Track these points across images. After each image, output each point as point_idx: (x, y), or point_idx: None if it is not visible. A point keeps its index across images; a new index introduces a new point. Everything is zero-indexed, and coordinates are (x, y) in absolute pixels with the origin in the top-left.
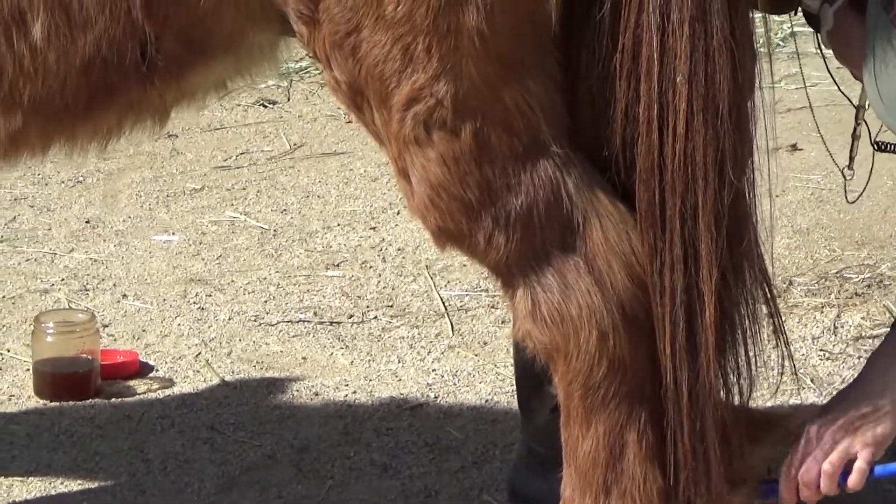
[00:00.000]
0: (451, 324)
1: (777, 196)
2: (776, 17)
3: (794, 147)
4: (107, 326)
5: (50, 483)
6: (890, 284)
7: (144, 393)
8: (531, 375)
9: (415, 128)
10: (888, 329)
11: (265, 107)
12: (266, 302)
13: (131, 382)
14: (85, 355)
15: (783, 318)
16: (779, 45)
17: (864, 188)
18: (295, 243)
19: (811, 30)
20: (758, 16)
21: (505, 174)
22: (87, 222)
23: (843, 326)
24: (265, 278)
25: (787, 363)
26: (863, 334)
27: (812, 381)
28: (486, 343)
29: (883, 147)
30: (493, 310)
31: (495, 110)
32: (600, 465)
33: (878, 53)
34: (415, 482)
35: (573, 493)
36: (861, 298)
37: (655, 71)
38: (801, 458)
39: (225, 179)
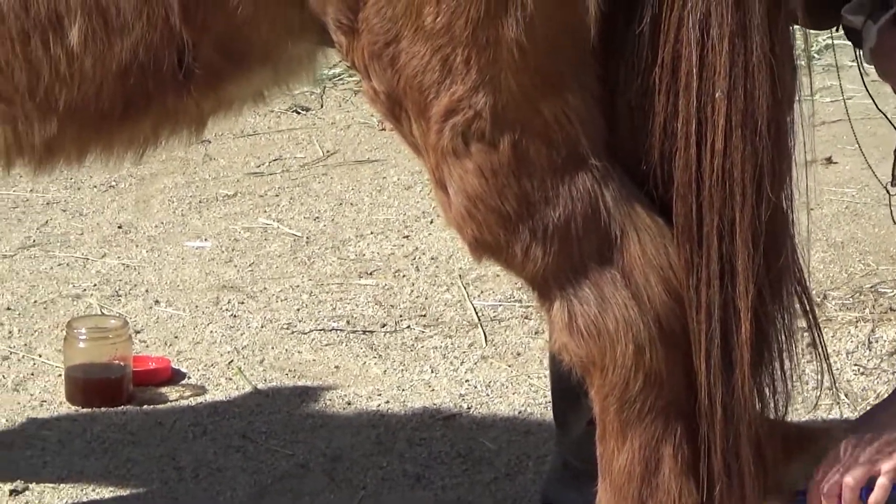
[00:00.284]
0: (485, 334)
1: (812, 210)
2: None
3: (828, 160)
4: (139, 333)
5: (81, 490)
6: None
7: (176, 400)
8: (567, 388)
9: (453, 139)
10: None
11: (298, 113)
12: (298, 310)
13: (163, 389)
14: (117, 361)
15: (822, 334)
16: (814, 57)
17: None
18: (328, 251)
19: (846, 42)
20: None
21: (543, 186)
22: (120, 227)
23: (877, 341)
24: (298, 286)
25: (824, 378)
26: None
27: (846, 395)
28: (519, 354)
29: None
30: (526, 320)
31: (534, 122)
32: (636, 480)
33: None
34: (447, 493)
35: None
36: None
37: (694, 86)
38: (828, 473)
39: (258, 186)
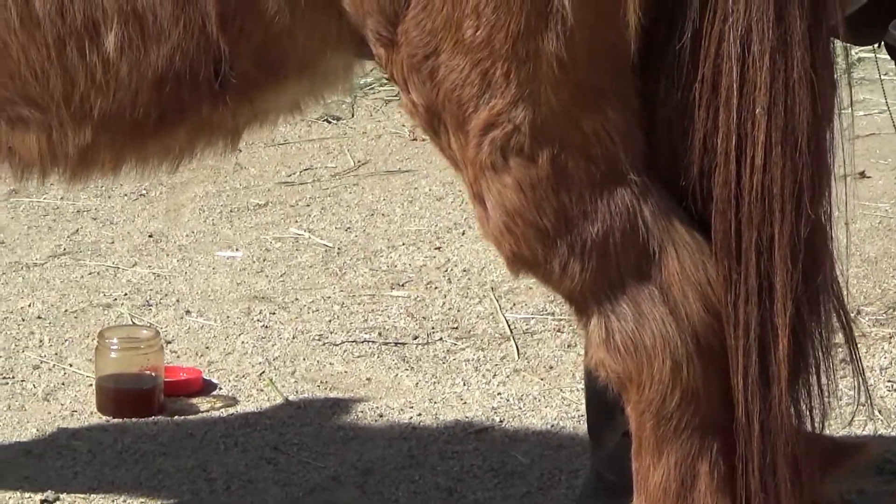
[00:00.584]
0: (517, 347)
1: (846, 224)
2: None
3: (861, 174)
4: (170, 343)
5: (112, 500)
6: None
7: (208, 411)
8: (603, 403)
9: (492, 153)
10: None
11: (329, 123)
12: (330, 321)
13: (194, 400)
14: (149, 372)
15: (858, 351)
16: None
17: None
18: (359, 262)
19: (881, 55)
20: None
21: (581, 201)
22: (150, 236)
23: None
24: (329, 297)
25: (861, 394)
26: None
27: (880, 412)
28: (551, 367)
29: None
30: (559, 333)
31: (573, 137)
32: (671, 496)
33: None
34: None
35: None
36: None
37: (735, 102)
38: None
39: (288, 195)
